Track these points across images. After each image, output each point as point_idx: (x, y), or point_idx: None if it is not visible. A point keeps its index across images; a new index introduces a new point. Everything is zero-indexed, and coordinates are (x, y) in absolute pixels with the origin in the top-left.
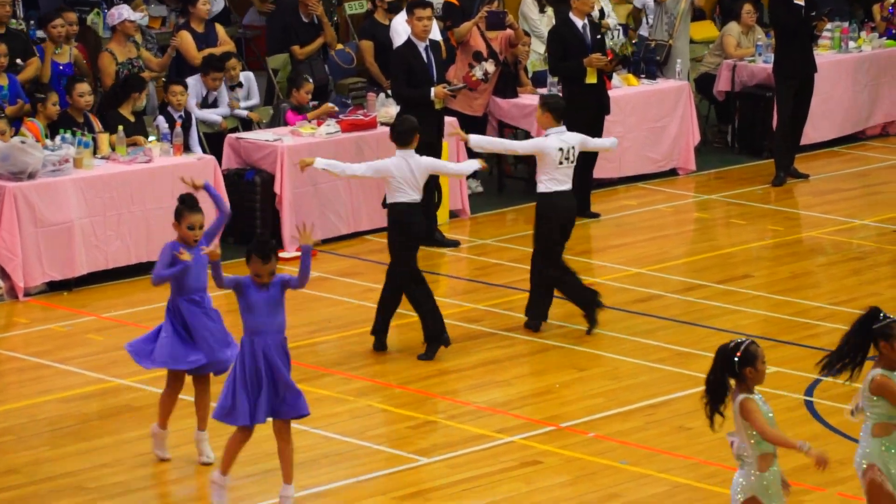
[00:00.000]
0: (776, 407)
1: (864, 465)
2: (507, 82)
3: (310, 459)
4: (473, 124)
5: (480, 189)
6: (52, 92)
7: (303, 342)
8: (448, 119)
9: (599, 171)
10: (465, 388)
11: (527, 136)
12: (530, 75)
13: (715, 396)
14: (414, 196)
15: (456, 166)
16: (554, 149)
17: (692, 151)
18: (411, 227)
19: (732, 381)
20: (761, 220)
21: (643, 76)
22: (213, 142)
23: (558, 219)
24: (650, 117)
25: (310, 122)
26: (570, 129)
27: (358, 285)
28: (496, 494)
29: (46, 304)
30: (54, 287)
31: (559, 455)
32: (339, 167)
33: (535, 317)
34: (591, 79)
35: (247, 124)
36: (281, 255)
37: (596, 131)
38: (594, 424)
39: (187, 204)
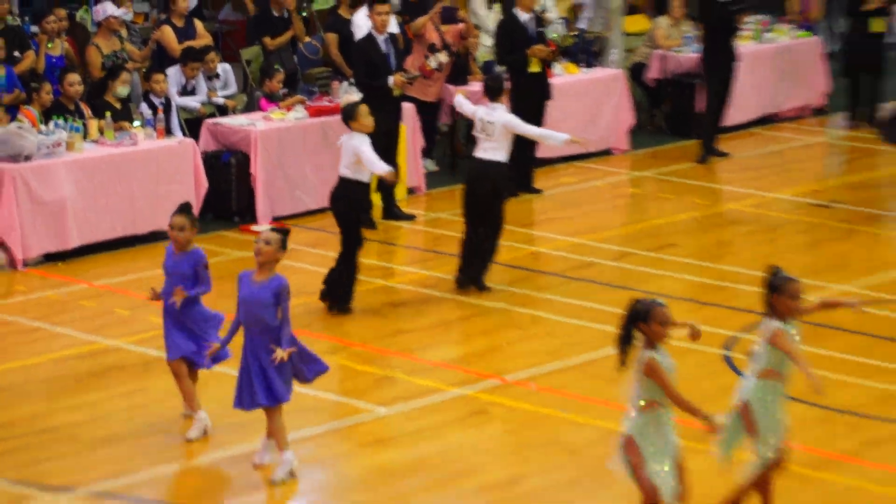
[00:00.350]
0: (698, 360)
1: (740, 404)
2: (459, 71)
3: (284, 410)
4: (428, 109)
5: (435, 168)
6: (45, 82)
7: None
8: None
9: (542, 151)
10: (421, 346)
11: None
12: (479, 65)
13: (623, 345)
14: (358, 175)
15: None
16: (477, 118)
17: (626, 133)
18: (362, 203)
19: (638, 335)
20: (687, 195)
21: (582, 65)
22: (193, 127)
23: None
24: (588, 102)
25: (281, 109)
26: (516, 113)
27: (323, 255)
28: (448, 441)
29: (43, 274)
30: (50, 258)
31: (504, 405)
32: None
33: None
34: (535, 68)
35: (223, 110)
36: (253, 227)
37: (539, 116)
38: (536, 378)
39: (178, 207)
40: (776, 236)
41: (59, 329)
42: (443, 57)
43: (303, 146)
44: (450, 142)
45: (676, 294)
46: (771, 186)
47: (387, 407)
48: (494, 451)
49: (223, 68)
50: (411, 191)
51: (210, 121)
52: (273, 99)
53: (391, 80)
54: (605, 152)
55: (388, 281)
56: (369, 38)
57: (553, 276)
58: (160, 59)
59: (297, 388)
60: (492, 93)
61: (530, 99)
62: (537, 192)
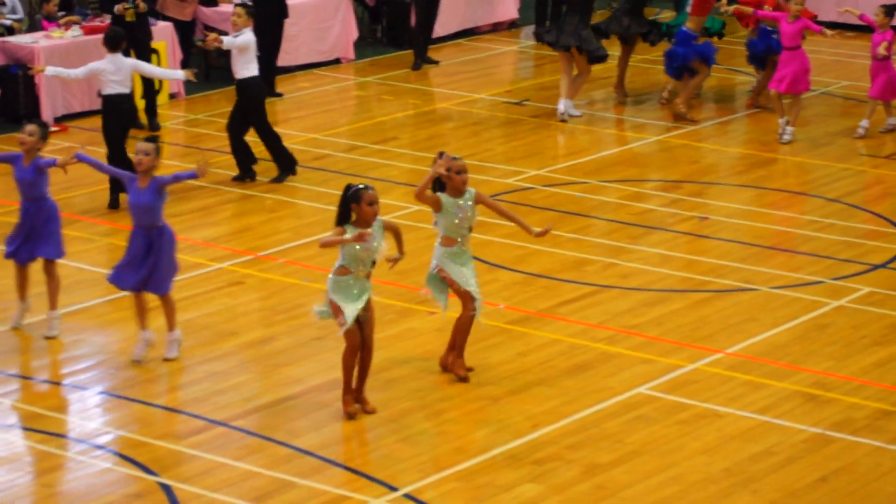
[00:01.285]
0: (418, 235)
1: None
2: None
3: (66, 285)
4: (185, 27)
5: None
6: None
7: (59, 196)
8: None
9: (282, 61)
10: (185, 227)
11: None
12: None
13: (340, 220)
14: (122, 89)
15: (162, 71)
16: (253, 42)
17: (351, 45)
18: (122, 112)
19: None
20: (405, 96)
21: None
22: None
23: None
24: (318, 19)
25: (60, 28)
26: (257, 29)
27: (99, 152)
28: (211, 307)
29: None
30: None
31: (258, 276)
32: (64, 73)
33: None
34: None
35: (11, 31)
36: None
37: (277, 30)
38: (284, 253)
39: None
40: (479, 129)
41: None
42: None
43: (79, 60)
44: (203, 55)
45: (397, 180)
46: (474, 88)
47: None
48: (250, 315)
49: None
50: (172, 96)
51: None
52: (52, 19)
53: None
54: (335, 61)
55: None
56: None
57: (299, 167)
58: None
59: (81, 265)
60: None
61: (269, 17)
62: (279, 95)
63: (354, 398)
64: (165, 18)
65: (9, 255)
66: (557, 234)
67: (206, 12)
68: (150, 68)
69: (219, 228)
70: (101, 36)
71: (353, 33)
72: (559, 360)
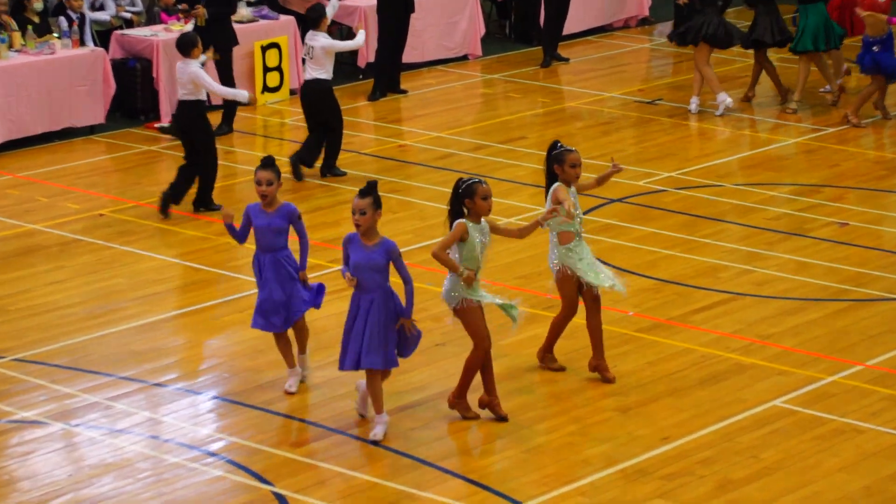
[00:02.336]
0: (545, 238)
1: (558, 267)
2: None
3: (181, 286)
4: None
5: None
6: None
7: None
8: None
9: (409, 57)
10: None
11: (350, 31)
12: None
13: (452, 217)
14: (189, 96)
15: (221, 90)
16: (305, 44)
17: (479, 41)
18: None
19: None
20: (533, 94)
21: None
22: (103, 38)
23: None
24: (446, 14)
25: (180, 20)
26: (382, 26)
27: (220, 148)
28: (329, 310)
29: None
30: None
31: None
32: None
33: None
34: None
35: (129, 23)
36: (156, 125)
37: (403, 27)
38: (406, 255)
39: (261, 162)
40: (609, 129)
41: None
42: None
43: None
44: None
45: (524, 181)
46: (604, 86)
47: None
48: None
49: None
50: (293, 92)
51: (118, 32)
52: (170, 12)
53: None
54: (462, 58)
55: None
56: None
57: (418, 165)
58: None
59: (189, 262)
60: (313, 22)
61: (395, 12)
62: (404, 92)
63: (487, 400)
64: (287, 12)
65: (277, 328)
66: (691, 238)
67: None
68: (207, 82)
69: (337, 229)
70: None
71: (481, 29)
72: (691, 370)
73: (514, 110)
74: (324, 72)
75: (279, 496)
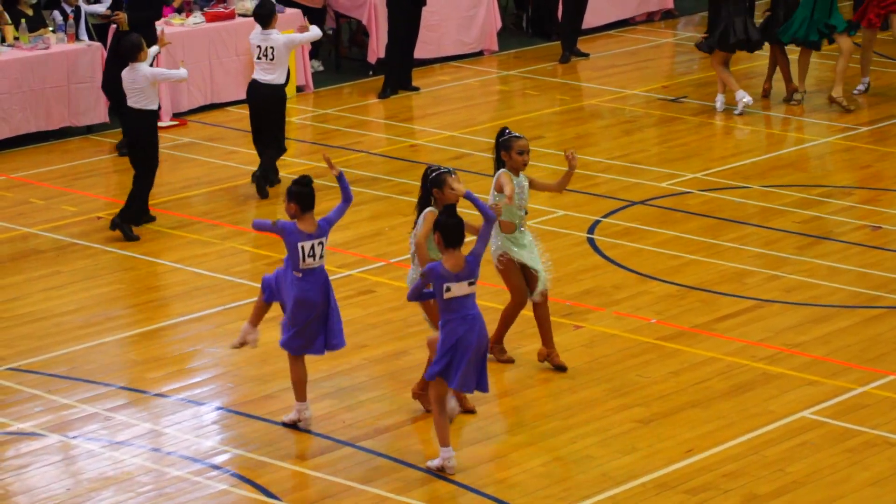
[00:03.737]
0: (564, 243)
1: (499, 254)
2: None
3: (185, 292)
4: (315, 14)
5: (321, 68)
6: None
7: (177, 196)
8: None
9: (423, 52)
10: None
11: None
12: None
13: (421, 207)
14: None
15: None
16: (253, 45)
17: (495, 36)
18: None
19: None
20: (551, 92)
21: None
22: (100, 31)
23: (250, 103)
24: (462, 8)
25: (180, 14)
26: (392, 22)
27: (221, 148)
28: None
29: None
30: None
31: (390, 285)
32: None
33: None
34: None
35: None
36: (160, 123)
37: (414, 22)
38: None
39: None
40: (631, 128)
41: None
42: None
43: (201, 48)
44: (334, 45)
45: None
46: (626, 83)
47: None
48: (381, 326)
49: None
50: (300, 89)
51: (115, 26)
52: (168, 3)
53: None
54: (478, 53)
55: (281, 172)
56: None
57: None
58: None
59: (198, 270)
60: (263, 20)
61: (405, 5)
62: (416, 89)
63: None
64: (294, 5)
65: (321, 350)
66: (716, 242)
67: None
68: (166, 73)
69: (348, 232)
70: (224, 23)
71: (497, 23)
72: (716, 380)
73: (531, 108)
74: (281, 75)
75: None
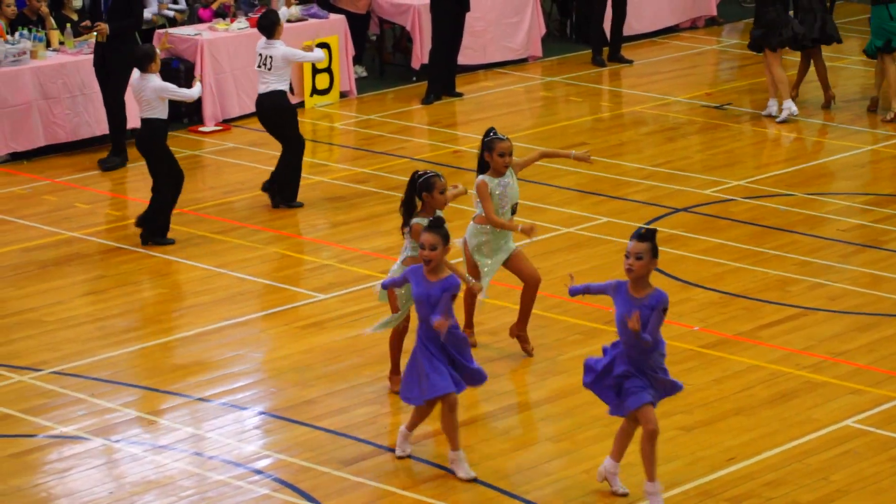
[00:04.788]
0: (608, 250)
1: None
2: None
3: (227, 296)
4: (358, 20)
5: (365, 74)
6: None
7: (220, 201)
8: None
9: (467, 58)
10: (354, 237)
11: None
12: None
13: (407, 210)
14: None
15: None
16: (257, 54)
17: (539, 42)
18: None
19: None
20: (594, 98)
21: None
22: (145, 37)
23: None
24: (507, 14)
25: (224, 19)
26: (436, 28)
27: (263, 153)
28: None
29: (9, 171)
30: (16, 157)
31: None
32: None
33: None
34: None
35: (173, 22)
36: (200, 129)
37: (458, 27)
38: (455, 263)
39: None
40: (675, 135)
41: (26, 221)
42: None
43: (247, 53)
44: (378, 50)
45: (585, 188)
46: (669, 90)
47: (324, 293)
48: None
49: None
50: (344, 94)
51: (161, 31)
52: (207, 6)
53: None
54: (523, 60)
55: (324, 177)
56: None
57: (474, 171)
58: None
59: (241, 275)
60: (266, 30)
61: (450, 11)
62: (459, 95)
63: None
64: (338, 11)
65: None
66: (760, 250)
67: (382, 5)
68: (174, 90)
69: (389, 238)
70: None
71: (541, 28)
72: (759, 388)
73: (574, 114)
74: (283, 83)
75: None
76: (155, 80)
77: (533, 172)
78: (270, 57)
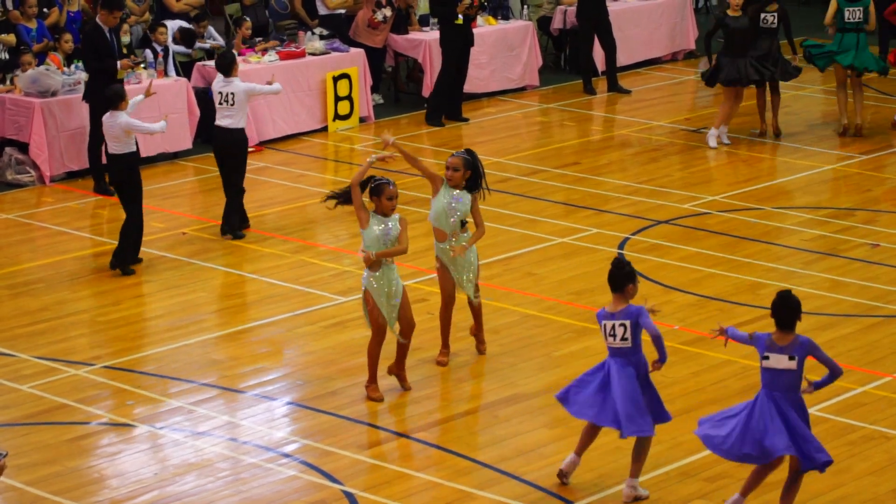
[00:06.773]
0: (597, 257)
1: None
2: (401, 22)
3: (258, 299)
4: (376, 53)
5: (381, 101)
6: (66, 33)
7: (254, 214)
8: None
9: (474, 87)
10: None
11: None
12: (417, 17)
13: (338, 200)
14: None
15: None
16: (215, 92)
17: (536, 72)
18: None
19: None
20: (586, 123)
21: (500, 18)
22: (186, 68)
23: (214, 147)
24: (506, 47)
25: (257, 52)
26: (444, 60)
27: (293, 172)
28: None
29: (66, 188)
30: (72, 175)
31: (440, 294)
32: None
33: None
34: (458, 20)
35: (210, 54)
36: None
37: (464, 60)
38: None
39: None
40: (657, 156)
41: (80, 233)
42: (387, 12)
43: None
44: (393, 80)
45: (578, 203)
46: (653, 115)
47: (345, 296)
48: (434, 331)
49: (209, 30)
50: (363, 119)
51: (200, 63)
52: (246, 44)
53: (119, 63)
54: (521, 89)
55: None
56: (94, 26)
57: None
58: (161, 14)
59: (271, 280)
60: (224, 69)
61: (455, 45)
62: (465, 120)
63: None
64: (357, 45)
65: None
66: (733, 258)
67: (397, 40)
68: (138, 125)
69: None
70: (295, 61)
71: (538, 60)
72: (732, 380)
73: (568, 137)
74: (240, 119)
75: (348, 494)
76: (122, 116)
77: (528, 189)
78: (232, 94)
